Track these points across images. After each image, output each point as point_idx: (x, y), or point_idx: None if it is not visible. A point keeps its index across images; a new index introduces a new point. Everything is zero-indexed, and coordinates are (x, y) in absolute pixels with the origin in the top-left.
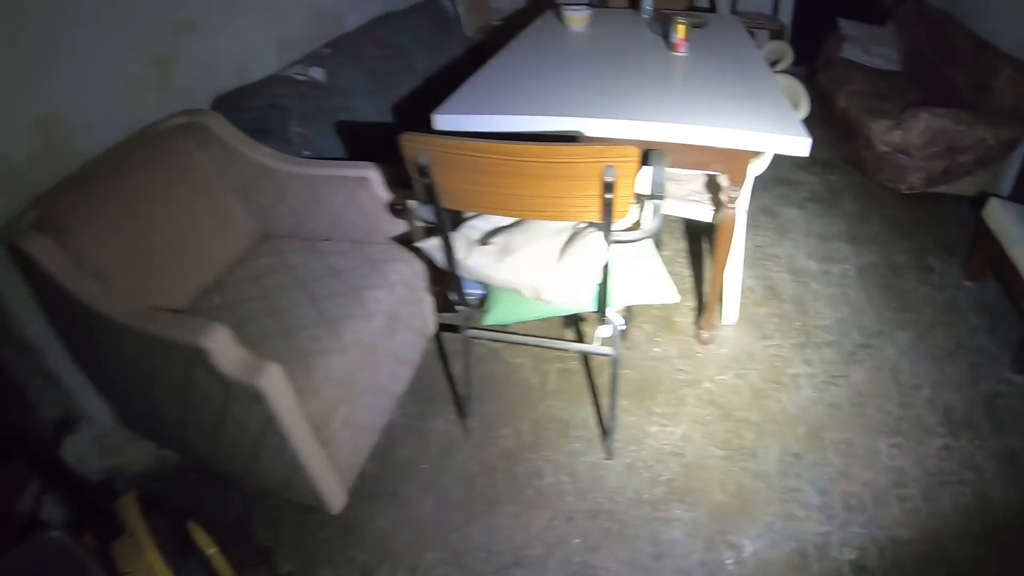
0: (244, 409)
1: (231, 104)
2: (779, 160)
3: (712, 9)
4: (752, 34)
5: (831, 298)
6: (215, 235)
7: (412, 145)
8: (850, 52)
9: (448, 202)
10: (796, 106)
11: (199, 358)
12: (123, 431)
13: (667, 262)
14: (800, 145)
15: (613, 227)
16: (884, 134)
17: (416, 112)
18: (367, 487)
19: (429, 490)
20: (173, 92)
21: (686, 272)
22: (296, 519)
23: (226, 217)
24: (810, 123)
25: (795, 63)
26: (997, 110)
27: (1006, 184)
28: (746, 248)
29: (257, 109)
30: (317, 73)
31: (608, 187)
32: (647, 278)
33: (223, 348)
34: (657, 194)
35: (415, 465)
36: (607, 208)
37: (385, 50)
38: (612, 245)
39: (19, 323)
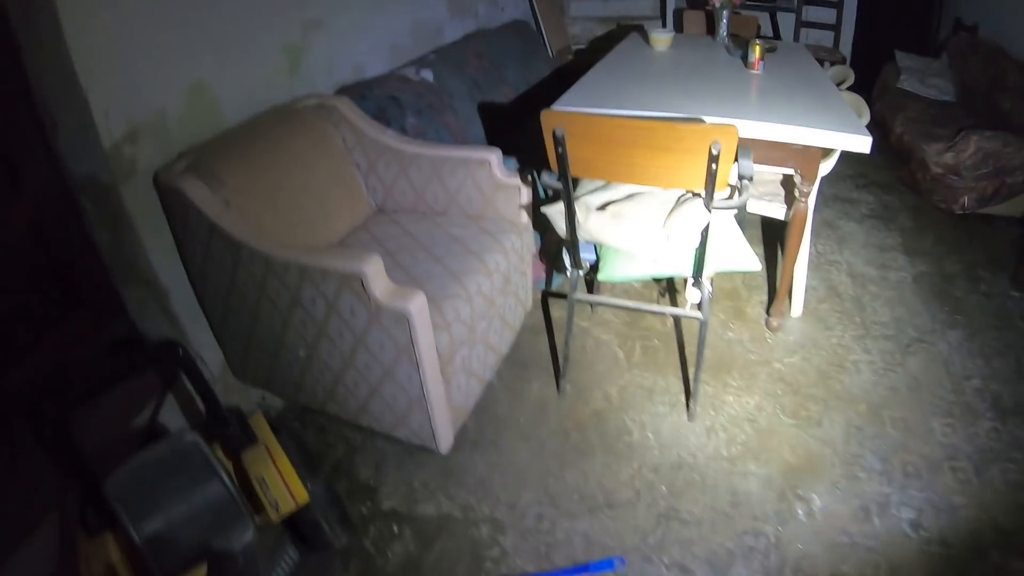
0: (385, 335)
1: (355, 93)
2: (839, 180)
3: (777, 39)
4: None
5: (888, 299)
6: (342, 201)
7: (551, 119)
8: (906, 83)
9: (577, 171)
10: (858, 115)
11: (354, 284)
12: (230, 379)
13: None
14: (862, 143)
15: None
16: (937, 156)
17: (513, 119)
18: (468, 436)
19: (526, 441)
20: (299, 79)
21: (766, 273)
22: (398, 462)
23: (352, 187)
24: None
25: (852, 90)
26: None
27: None
28: (810, 253)
29: (378, 99)
30: (427, 75)
31: (714, 159)
32: (734, 248)
33: (378, 274)
34: (746, 175)
35: (513, 420)
36: (711, 177)
37: (482, 61)
38: (712, 211)
39: (153, 264)
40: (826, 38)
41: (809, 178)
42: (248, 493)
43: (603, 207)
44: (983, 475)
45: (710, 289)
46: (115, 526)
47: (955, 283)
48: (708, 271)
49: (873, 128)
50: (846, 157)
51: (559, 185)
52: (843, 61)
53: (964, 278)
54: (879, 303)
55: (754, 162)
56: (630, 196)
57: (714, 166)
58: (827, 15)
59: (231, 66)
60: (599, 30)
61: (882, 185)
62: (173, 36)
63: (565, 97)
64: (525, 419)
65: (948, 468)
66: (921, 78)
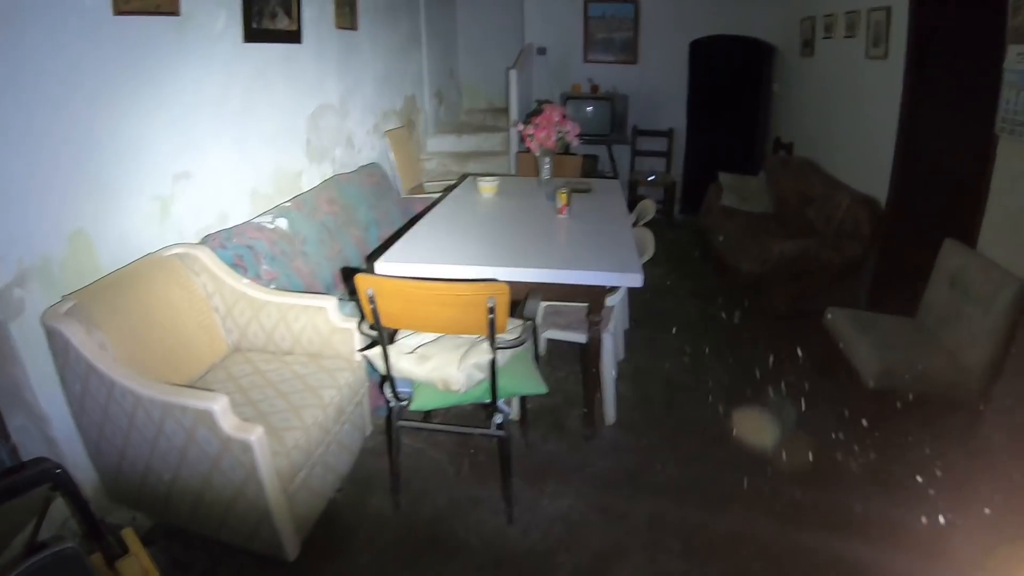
0: (234, 461)
1: (216, 241)
2: (665, 294)
3: (614, 171)
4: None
5: (697, 402)
6: (203, 341)
7: (363, 282)
8: (727, 200)
9: (387, 322)
10: (644, 251)
11: (207, 419)
12: (103, 500)
13: (562, 381)
14: (635, 280)
15: (497, 338)
16: (748, 266)
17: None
18: (315, 547)
19: (366, 549)
20: (169, 227)
21: (578, 389)
22: (255, 572)
23: (211, 329)
24: (694, 262)
25: (683, 211)
26: (842, 236)
27: (862, 298)
28: (627, 367)
29: (236, 248)
30: (282, 223)
31: (491, 311)
32: (524, 377)
33: (225, 411)
34: (530, 317)
35: (355, 531)
36: (491, 325)
37: (334, 206)
38: (496, 351)
39: (36, 394)
40: (659, 164)
41: (597, 310)
42: None
43: (413, 350)
44: (786, 538)
45: (508, 411)
46: None
47: (764, 377)
48: (502, 397)
49: (700, 243)
50: (674, 271)
51: (375, 334)
52: (673, 184)
53: (773, 372)
54: (690, 405)
55: (552, 299)
56: (437, 339)
57: (491, 316)
58: (659, 144)
59: (108, 215)
60: (453, 165)
61: (704, 295)
62: (58, 189)
63: (389, 253)
64: (365, 530)
65: (750, 539)
66: (741, 195)
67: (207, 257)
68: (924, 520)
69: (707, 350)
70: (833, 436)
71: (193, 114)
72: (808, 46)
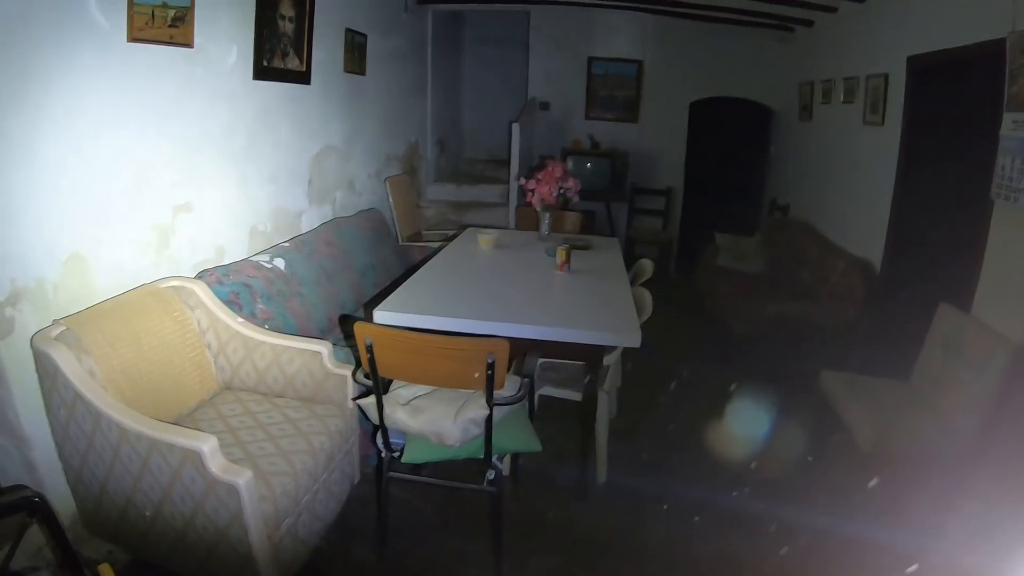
0: (219, 503)
1: (213, 277)
2: (657, 352)
3: (611, 229)
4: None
5: (689, 462)
6: (193, 377)
7: (363, 331)
8: (723, 260)
9: (384, 372)
10: (642, 311)
11: (194, 459)
12: (80, 531)
13: (553, 435)
14: (634, 341)
15: (494, 394)
16: (742, 326)
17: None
18: None
19: None
20: (167, 258)
21: (569, 443)
22: None
23: (203, 365)
24: (689, 320)
25: (679, 269)
26: (835, 298)
27: (855, 360)
28: (619, 424)
29: (233, 285)
30: (280, 263)
31: (490, 367)
32: (519, 434)
33: (214, 453)
34: (528, 374)
35: None
36: (489, 380)
37: (332, 249)
38: (493, 407)
39: (20, 416)
40: (656, 223)
41: (594, 368)
42: None
43: (408, 402)
44: None
45: (501, 467)
46: None
47: (758, 438)
48: (496, 453)
49: (695, 300)
50: (669, 329)
51: (370, 383)
52: (670, 243)
53: (767, 433)
54: (682, 465)
55: (551, 357)
56: (431, 392)
57: (490, 372)
58: (657, 202)
59: (106, 241)
60: (452, 214)
61: (699, 354)
62: (56, 210)
63: (388, 302)
64: None
65: None
66: (736, 255)
67: (203, 292)
68: None
69: (700, 409)
70: (827, 498)
71: (198, 146)
72: (806, 110)
